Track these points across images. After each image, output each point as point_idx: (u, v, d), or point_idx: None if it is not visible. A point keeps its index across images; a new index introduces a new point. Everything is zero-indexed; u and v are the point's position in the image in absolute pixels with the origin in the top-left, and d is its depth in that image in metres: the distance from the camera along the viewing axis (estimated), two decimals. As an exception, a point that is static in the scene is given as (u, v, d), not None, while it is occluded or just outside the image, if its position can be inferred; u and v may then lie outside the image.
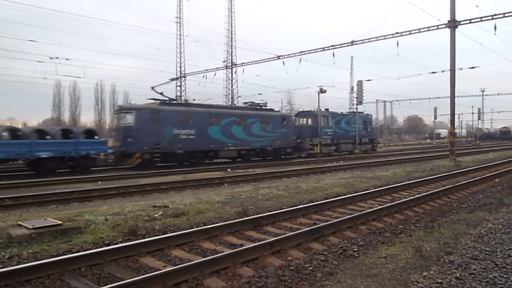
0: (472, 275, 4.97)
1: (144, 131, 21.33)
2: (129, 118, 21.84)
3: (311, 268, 5.43)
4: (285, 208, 9.21)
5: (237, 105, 42.90)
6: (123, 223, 7.88)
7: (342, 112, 36.61)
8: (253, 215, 8.30)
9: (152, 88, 23.92)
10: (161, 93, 23.89)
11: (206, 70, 38.52)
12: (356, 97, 36.26)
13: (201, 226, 7.53)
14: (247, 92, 53.34)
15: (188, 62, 62.30)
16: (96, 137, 21.69)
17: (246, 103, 29.93)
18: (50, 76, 45.16)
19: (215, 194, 11.84)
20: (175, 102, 25.88)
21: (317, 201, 10.07)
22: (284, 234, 6.87)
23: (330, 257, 5.89)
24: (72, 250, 6.18)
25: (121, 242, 6.53)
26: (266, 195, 11.49)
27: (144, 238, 6.71)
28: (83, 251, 5.96)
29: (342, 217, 8.05)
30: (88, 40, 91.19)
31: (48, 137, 19.67)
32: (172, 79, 44.87)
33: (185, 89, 58.40)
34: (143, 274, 4.99)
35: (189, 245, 6.51)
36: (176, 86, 57.80)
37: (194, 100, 53.03)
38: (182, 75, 55.54)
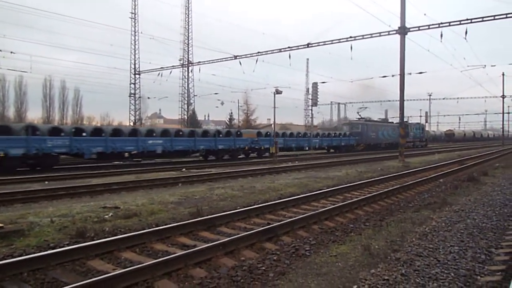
0: (416, 271, 5.20)
1: None
2: None
3: (263, 268, 5.46)
4: (239, 208, 9.22)
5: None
6: (71, 225, 7.56)
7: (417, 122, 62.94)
8: (207, 216, 8.24)
9: None
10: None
11: (161, 68, 37.96)
12: (311, 99, 36.95)
13: (153, 227, 7.38)
14: (203, 91, 53.06)
15: (143, 59, 60.95)
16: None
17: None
18: (-8, 70, 42.55)
19: (169, 194, 11.64)
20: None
21: (272, 201, 10.15)
22: (238, 234, 6.87)
23: (282, 257, 5.95)
24: (13, 254, 5.85)
25: (67, 245, 6.26)
26: (221, 195, 11.44)
27: (93, 240, 6.47)
28: (26, 255, 5.66)
29: (295, 217, 8.16)
30: (36, 34, 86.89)
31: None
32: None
33: (139, 87, 57.14)
34: (90, 278, 4.81)
35: (140, 247, 6.35)
36: (130, 84, 56.46)
37: (148, 98, 51.97)
38: (136, 72, 54.25)
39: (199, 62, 37.85)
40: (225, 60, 32.95)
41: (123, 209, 9.09)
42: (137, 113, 59.27)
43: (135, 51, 55.80)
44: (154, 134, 25.96)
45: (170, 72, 37.95)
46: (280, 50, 29.22)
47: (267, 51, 30.01)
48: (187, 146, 26.95)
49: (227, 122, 64.70)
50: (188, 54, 57.25)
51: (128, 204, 9.75)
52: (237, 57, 31.53)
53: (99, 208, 9.21)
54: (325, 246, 6.62)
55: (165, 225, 7.49)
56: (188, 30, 58.17)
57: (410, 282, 4.84)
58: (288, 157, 31.75)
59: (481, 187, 13.48)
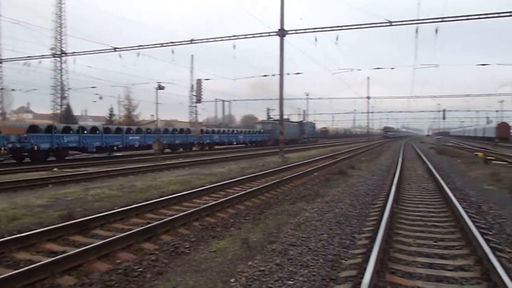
0: (290, 260, 5.51)
1: None
2: None
3: (140, 269, 5.26)
4: (117, 209, 8.75)
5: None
6: None
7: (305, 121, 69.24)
8: (80, 218, 7.64)
9: None
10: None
11: (28, 57, 34.11)
12: (196, 95, 36.82)
13: (14, 234, 6.59)
14: (79, 85, 49.24)
15: (4, 46, 54.06)
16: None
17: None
18: None
19: (36, 197, 10.53)
20: None
21: (152, 200, 9.84)
22: (114, 236, 6.50)
23: (161, 256, 5.81)
24: None
25: None
26: (97, 196, 10.74)
27: None
28: None
29: (176, 215, 8.03)
30: None
31: None
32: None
33: (1, 77, 50.72)
34: None
35: (-3, 257, 5.62)
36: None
37: (13, 90, 46.40)
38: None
39: (74, 52, 34.96)
40: (104, 52, 30.93)
41: (-23, 216, 7.96)
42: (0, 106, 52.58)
43: (-5, 36, 49.30)
44: None
45: (40, 62, 34.37)
46: (162, 45, 28.45)
47: (149, 45, 28.99)
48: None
49: (107, 118, 61.06)
50: (61, 43, 52.45)
51: (-16, 210, 8.57)
52: (117, 50, 29.85)
53: None
54: (205, 242, 6.64)
55: (30, 231, 6.74)
56: (60, 17, 53.26)
57: (284, 270, 5.11)
58: (172, 154, 31.23)
59: (348, 179, 14.88)
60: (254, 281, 4.76)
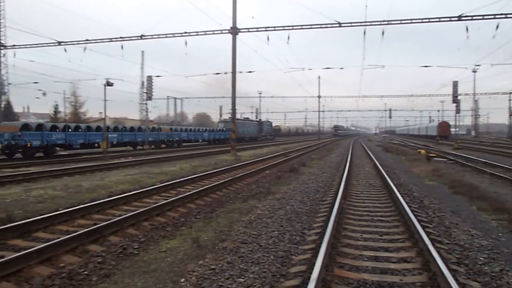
0: (241, 258, 5.52)
1: None
2: None
3: (86, 272, 5.06)
4: (61, 210, 8.35)
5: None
6: None
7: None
8: (20, 221, 7.22)
9: None
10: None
11: (-37, 49, 31.79)
12: (146, 93, 35.94)
13: None
14: (20, 80, 46.55)
15: None
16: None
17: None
18: None
19: (-30, 199, 9.85)
20: None
21: (100, 200, 9.49)
22: (58, 238, 6.20)
23: (108, 258, 5.62)
24: None
25: None
26: (40, 197, 10.22)
27: None
28: None
29: (125, 215, 7.80)
30: None
31: None
32: None
33: None
34: None
35: None
36: None
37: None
38: None
39: (14, 45, 33.05)
40: (47, 46, 29.47)
41: None
42: None
43: None
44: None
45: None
46: (111, 40, 27.53)
47: (96, 40, 27.95)
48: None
49: (52, 115, 58.19)
50: (-1, 35, 49.24)
51: None
52: (62, 43, 28.53)
53: None
54: (155, 243, 6.50)
55: (-38, 236, 6.30)
56: (-1, 7, 49.97)
57: (235, 268, 5.11)
58: (122, 153, 30.31)
59: (299, 177, 15.15)
60: (205, 280, 4.73)
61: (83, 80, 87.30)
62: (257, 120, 73.44)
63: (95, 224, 7.32)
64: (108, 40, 27.60)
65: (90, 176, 15.34)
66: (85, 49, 28.25)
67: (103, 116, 27.69)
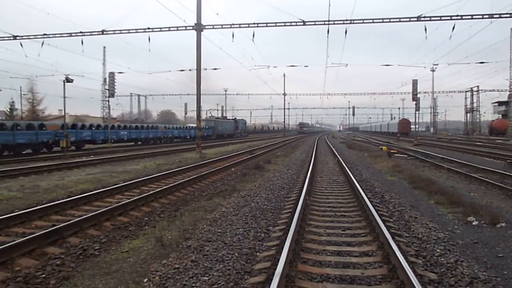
0: (206, 256, 5.49)
1: None
2: None
3: (43, 275, 4.88)
4: (17, 212, 8.02)
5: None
6: None
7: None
8: (-28, 224, 6.88)
9: None
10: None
11: None
12: (108, 89, 34.97)
13: None
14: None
15: None
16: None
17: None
18: None
19: None
20: None
21: (59, 200, 9.17)
22: (13, 241, 5.94)
23: (67, 260, 5.44)
24: None
25: None
26: (-6, 198, 9.75)
27: None
28: None
29: (85, 215, 7.57)
30: None
31: None
32: None
33: None
34: None
35: None
36: None
37: None
38: None
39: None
40: (1, 40, 28.12)
41: None
42: None
43: None
44: None
45: None
46: (70, 35, 26.59)
47: (55, 34, 26.89)
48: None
49: (7, 112, 55.69)
50: (-51, 28, 46.53)
51: None
52: (17, 38, 27.29)
53: None
54: (117, 243, 6.36)
55: None
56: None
57: (199, 267, 5.07)
58: (83, 151, 29.39)
59: (265, 174, 15.22)
60: (168, 280, 4.66)
61: (41, 76, 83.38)
62: (233, 118, 78.03)
63: (54, 225, 7.07)
64: (68, 34, 26.63)
65: (48, 176, 14.78)
66: (42, 44, 27.13)
67: (63, 114, 26.79)
